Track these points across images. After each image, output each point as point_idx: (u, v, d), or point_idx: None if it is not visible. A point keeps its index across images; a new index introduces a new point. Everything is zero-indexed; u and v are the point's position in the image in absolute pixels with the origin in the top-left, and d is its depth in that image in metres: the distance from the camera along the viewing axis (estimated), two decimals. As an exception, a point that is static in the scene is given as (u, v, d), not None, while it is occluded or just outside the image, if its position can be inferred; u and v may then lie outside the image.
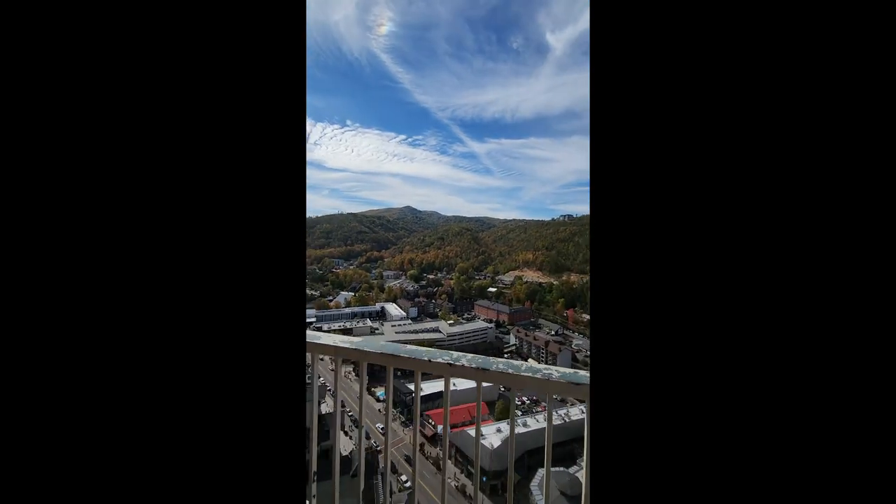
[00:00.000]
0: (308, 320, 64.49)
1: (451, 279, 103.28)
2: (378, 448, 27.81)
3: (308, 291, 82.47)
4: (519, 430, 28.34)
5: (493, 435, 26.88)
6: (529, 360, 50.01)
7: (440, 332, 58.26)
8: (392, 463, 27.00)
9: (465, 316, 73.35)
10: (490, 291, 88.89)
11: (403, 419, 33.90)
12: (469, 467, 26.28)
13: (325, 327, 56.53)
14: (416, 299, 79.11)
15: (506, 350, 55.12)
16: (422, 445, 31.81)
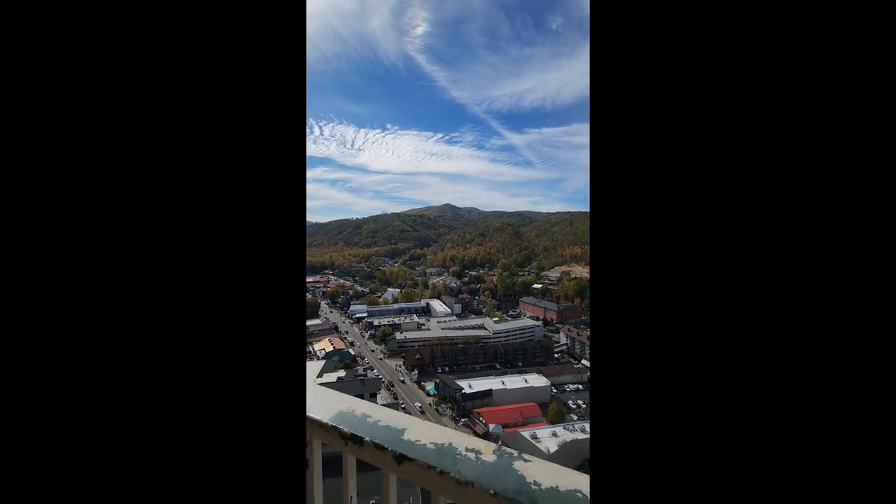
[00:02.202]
0: (359, 316, 69.04)
1: (494, 275, 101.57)
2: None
3: (358, 288, 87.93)
4: (577, 435, 26.41)
5: (548, 439, 25.56)
6: (583, 360, 46.82)
7: (486, 329, 57.63)
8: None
9: (510, 313, 71.53)
10: (535, 288, 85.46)
11: (454, 414, 34.14)
12: (524, 470, 25.29)
13: (375, 322, 59.48)
14: (460, 296, 79.32)
15: (556, 349, 52.46)
16: (473, 443, 31.66)
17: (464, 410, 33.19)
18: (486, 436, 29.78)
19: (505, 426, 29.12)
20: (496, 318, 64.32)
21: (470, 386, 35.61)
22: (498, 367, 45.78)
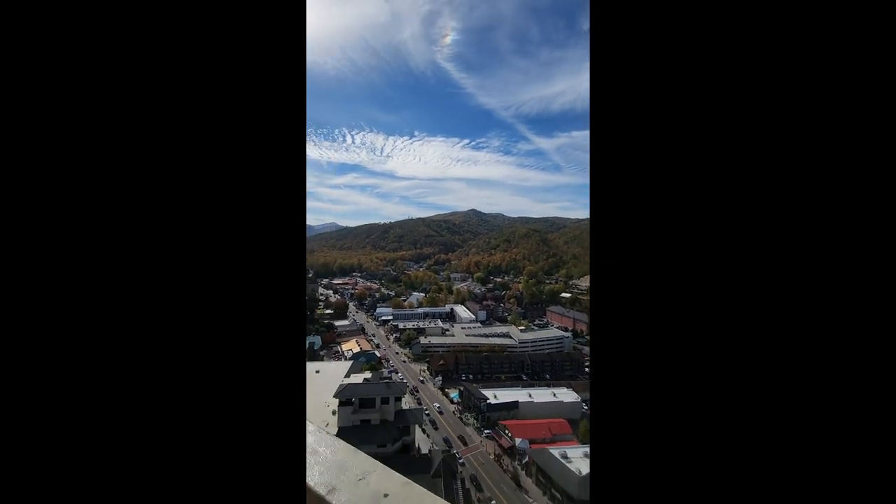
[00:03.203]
0: (385, 318, 70.29)
1: (520, 283, 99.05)
2: (456, 452, 27.81)
3: (384, 291, 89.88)
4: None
5: (580, 460, 23.95)
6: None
7: (511, 337, 56.02)
8: (472, 476, 26.41)
9: (537, 322, 69.09)
10: (563, 297, 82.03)
11: (478, 424, 33.29)
12: (553, 490, 23.96)
13: (400, 325, 60.11)
14: (484, 302, 78.10)
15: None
16: (499, 457, 30.65)
17: (489, 421, 32.23)
18: (511, 450, 28.63)
19: (532, 442, 27.77)
20: (522, 327, 62.39)
21: (495, 396, 34.57)
22: (524, 378, 44.15)
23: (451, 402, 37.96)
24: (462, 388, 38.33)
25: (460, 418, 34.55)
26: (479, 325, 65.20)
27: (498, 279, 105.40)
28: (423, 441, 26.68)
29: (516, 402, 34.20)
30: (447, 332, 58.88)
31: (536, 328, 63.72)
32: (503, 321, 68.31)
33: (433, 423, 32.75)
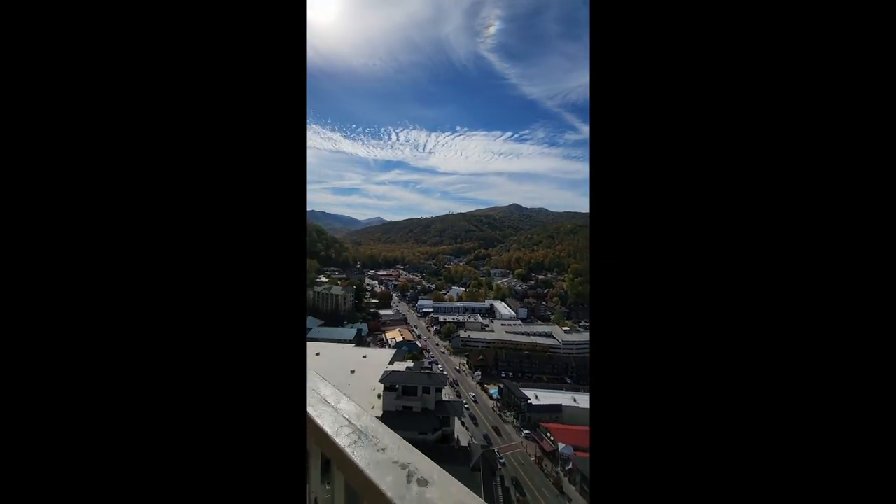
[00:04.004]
0: (426, 311, 72.09)
1: (564, 281, 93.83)
2: (496, 450, 27.54)
3: (425, 284, 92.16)
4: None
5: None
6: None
7: (554, 338, 53.52)
8: (515, 478, 25.97)
9: (582, 323, 64.88)
10: (614, 298, 75.20)
11: (517, 424, 32.56)
12: (599, 502, 22.41)
13: (441, 318, 61.14)
14: (525, 300, 75.61)
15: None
16: (540, 460, 29.63)
17: (529, 422, 31.32)
18: (553, 454, 27.48)
19: (577, 449, 26.31)
20: (566, 328, 59.15)
21: (536, 397, 33.42)
22: (569, 381, 41.98)
23: (490, 398, 37.65)
24: (502, 386, 37.76)
25: (499, 415, 34.13)
26: (519, 322, 63.42)
27: (540, 276, 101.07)
28: (461, 434, 26.88)
29: (559, 406, 32.65)
30: (487, 328, 58.30)
31: (582, 329, 59.88)
32: (545, 320, 65.50)
33: (473, 418, 32.81)
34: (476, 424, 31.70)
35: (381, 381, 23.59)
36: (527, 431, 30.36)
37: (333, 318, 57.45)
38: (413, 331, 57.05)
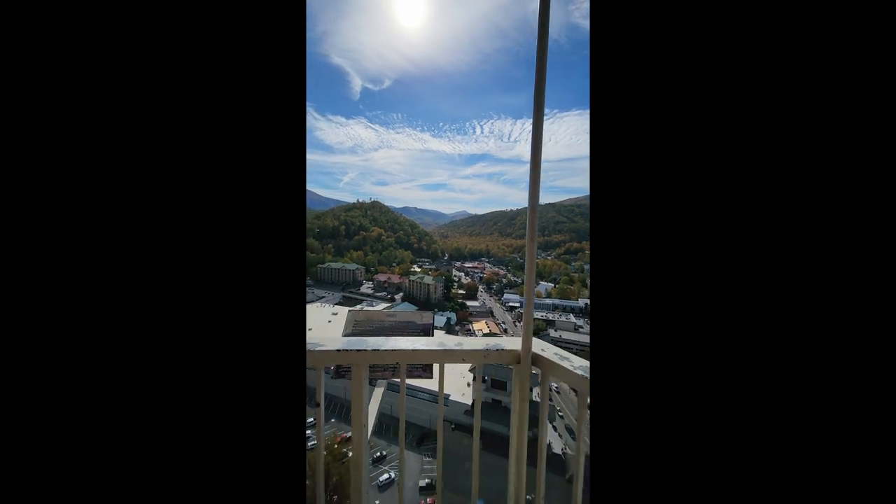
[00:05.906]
0: (512, 305, 70.61)
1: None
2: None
3: (511, 277, 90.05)
4: None
5: None
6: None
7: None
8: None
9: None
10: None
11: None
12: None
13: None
14: (630, 301, 64.51)
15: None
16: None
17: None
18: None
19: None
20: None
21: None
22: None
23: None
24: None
25: (597, 428, 30.45)
26: (622, 327, 54.58)
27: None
28: (554, 439, 25.18)
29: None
30: (580, 329, 52.78)
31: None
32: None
33: (569, 429, 30.41)
34: (570, 433, 29.21)
35: (470, 371, 24.24)
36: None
37: (425, 305, 62.64)
38: (500, 325, 56.63)
